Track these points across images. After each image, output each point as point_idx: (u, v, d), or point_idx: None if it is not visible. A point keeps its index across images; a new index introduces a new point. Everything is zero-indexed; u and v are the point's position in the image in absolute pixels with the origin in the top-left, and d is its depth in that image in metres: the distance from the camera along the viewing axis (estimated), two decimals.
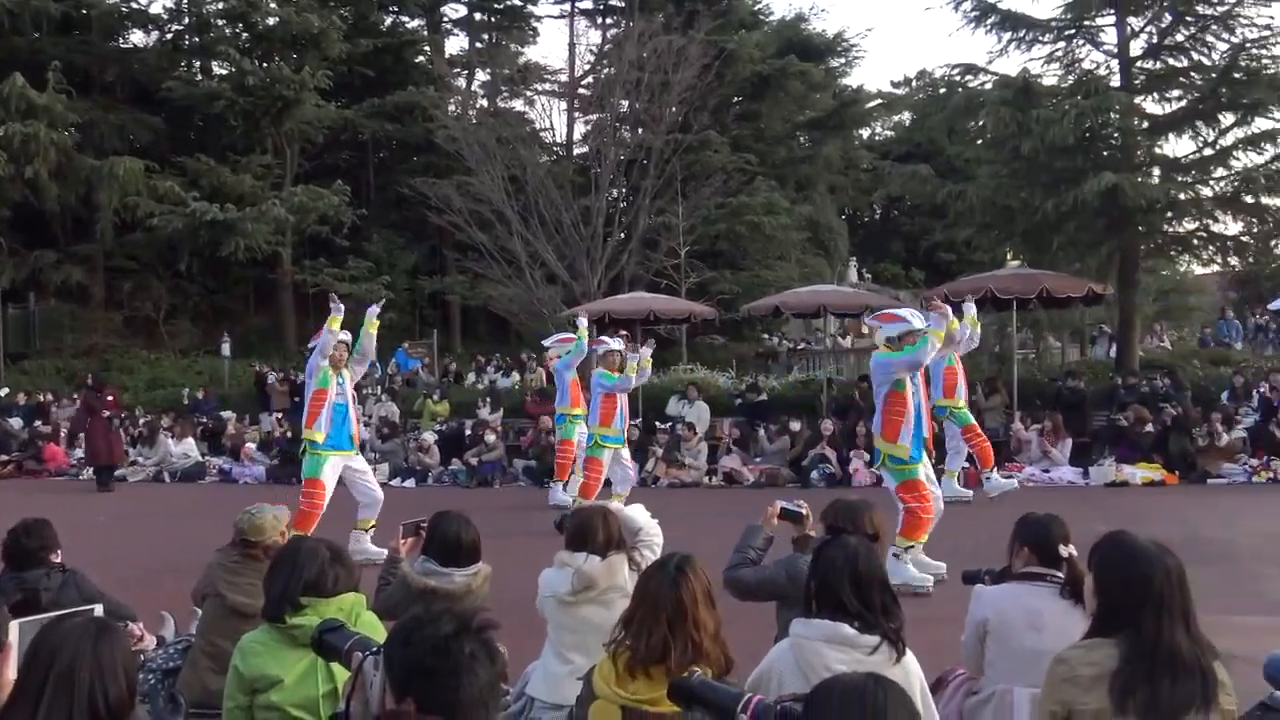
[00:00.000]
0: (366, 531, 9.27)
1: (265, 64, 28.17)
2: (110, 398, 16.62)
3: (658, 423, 16.51)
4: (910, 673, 2.97)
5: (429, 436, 16.85)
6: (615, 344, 11.61)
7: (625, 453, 11.60)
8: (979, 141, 20.29)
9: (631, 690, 2.88)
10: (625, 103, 25.50)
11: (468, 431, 17.00)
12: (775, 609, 4.17)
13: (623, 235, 24.33)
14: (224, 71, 29.45)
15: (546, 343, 13.82)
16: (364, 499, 9.46)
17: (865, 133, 40.57)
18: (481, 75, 33.60)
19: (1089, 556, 3.11)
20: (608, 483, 11.36)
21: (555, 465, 12.76)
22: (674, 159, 24.00)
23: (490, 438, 16.33)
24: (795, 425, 15.49)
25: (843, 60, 36.18)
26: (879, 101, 39.92)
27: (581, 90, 30.02)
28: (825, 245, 32.20)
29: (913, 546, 7.64)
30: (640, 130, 25.49)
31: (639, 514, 4.44)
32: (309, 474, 9.28)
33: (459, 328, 30.94)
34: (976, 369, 19.35)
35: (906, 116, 41.05)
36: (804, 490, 12.91)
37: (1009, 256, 22.75)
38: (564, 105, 30.73)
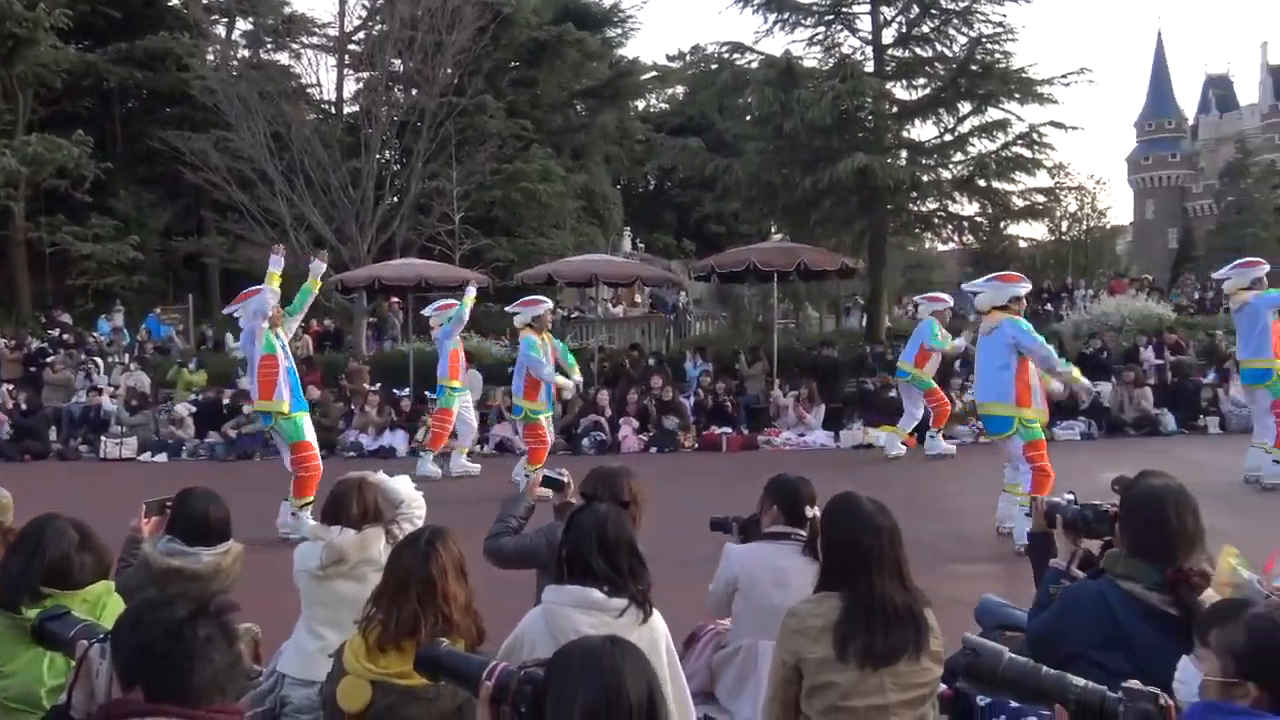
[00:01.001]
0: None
1: None
2: None
3: (428, 392, 16.27)
4: (656, 632, 3.10)
5: (183, 408, 15.96)
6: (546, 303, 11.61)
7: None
8: (747, 118, 21.01)
9: (383, 665, 2.88)
10: (398, 62, 24.75)
11: (226, 402, 16.18)
12: (535, 576, 4.24)
13: (394, 199, 23.68)
14: None
15: (427, 311, 13.38)
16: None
17: (640, 104, 41.20)
18: (242, 24, 31.65)
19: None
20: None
21: (431, 435, 12.51)
22: (448, 122, 23.53)
23: (249, 408, 15.59)
24: (567, 394, 15.64)
25: (619, 31, 36.59)
26: (654, 74, 40.60)
27: (352, 46, 28.83)
28: (600, 214, 32.57)
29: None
30: (413, 91, 24.84)
31: (403, 485, 4.40)
32: (294, 438, 8.86)
33: (218, 292, 29.25)
34: (741, 337, 20.23)
35: (680, 90, 41.98)
36: (575, 458, 13.10)
37: (773, 230, 23.86)
38: (333, 61, 29.43)
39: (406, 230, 23.42)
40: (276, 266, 8.97)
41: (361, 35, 28.72)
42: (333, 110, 29.10)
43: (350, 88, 29.59)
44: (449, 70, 23.95)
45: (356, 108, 27.83)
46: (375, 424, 15.46)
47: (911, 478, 11.39)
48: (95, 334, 22.28)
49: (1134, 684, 2.46)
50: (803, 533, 4.05)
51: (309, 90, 28.56)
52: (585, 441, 14.68)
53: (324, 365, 18.07)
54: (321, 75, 30.44)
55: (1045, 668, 2.56)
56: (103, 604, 3.08)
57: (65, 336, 21.24)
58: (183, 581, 3.91)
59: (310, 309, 23.35)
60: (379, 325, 22.86)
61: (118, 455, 15.23)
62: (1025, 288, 8.67)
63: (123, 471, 14.03)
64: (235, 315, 9.62)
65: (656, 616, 3.16)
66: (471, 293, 12.43)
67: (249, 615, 4.31)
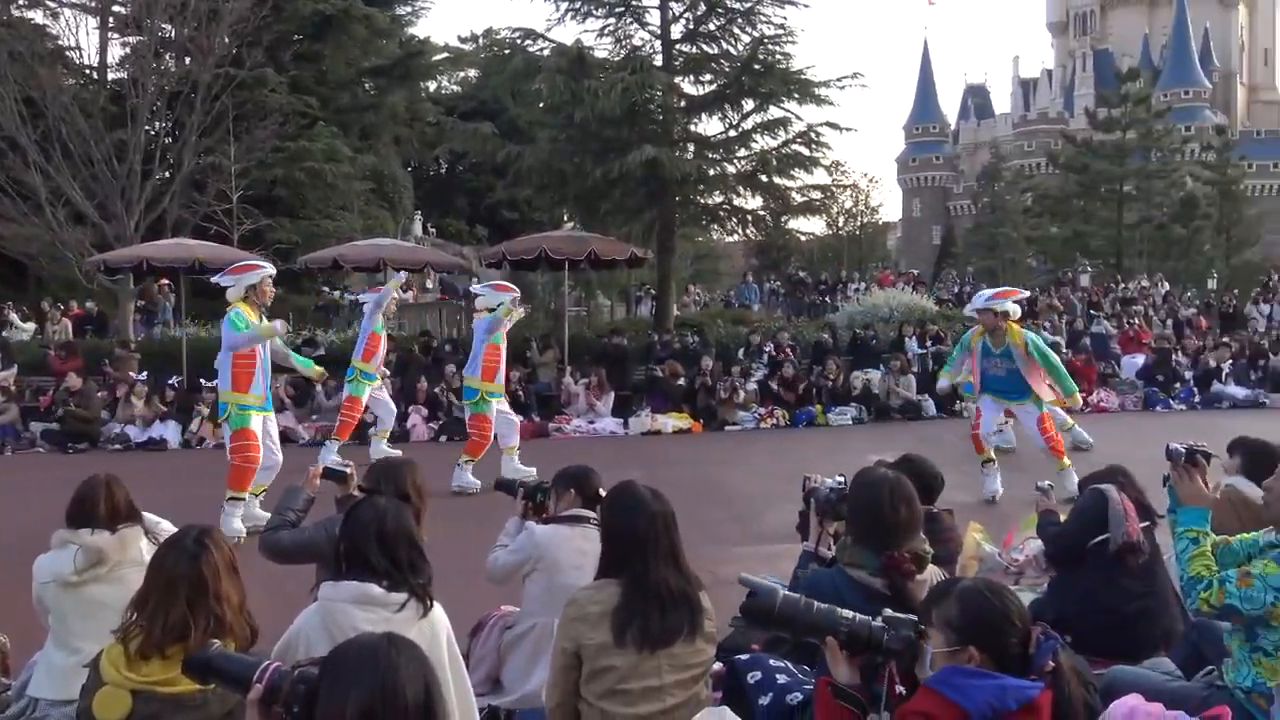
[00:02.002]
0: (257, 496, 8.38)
1: None
2: None
3: (202, 380, 15.44)
4: (438, 625, 3.10)
5: None
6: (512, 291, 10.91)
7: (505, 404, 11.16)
8: (540, 105, 20.99)
9: (144, 673, 2.75)
10: (169, 27, 23.19)
11: None
12: (315, 571, 4.14)
13: (165, 175, 22.23)
14: None
15: (361, 297, 12.73)
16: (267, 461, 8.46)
17: (432, 86, 40.38)
18: None
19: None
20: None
21: (340, 424, 11.87)
22: (224, 95, 22.26)
23: None
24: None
25: (409, 9, 35.70)
26: (445, 55, 39.90)
27: (117, 8, 26.75)
28: (390, 197, 31.75)
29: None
30: (186, 60, 23.35)
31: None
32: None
33: None
34: (532, 325, 20.25)
35: (473, 73, 41.44)
36: (364, 446, 12.77)
37: (565, 218, 23.98)
38: (95, 23, 27.24)
39: (179, 208, 22.04)
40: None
41: None
42: (95, 77, 26.97)
43: (115, 53, 27.52)
44: (226, 40, 22.68)
45: (123, 75, 25.91)
46: (143, 415, 14.52)
47: (697, 462, 11.77)
48: None
49: (894, 613, 2.71)
50: (596, 516, 4.14)
51: (68, 53, 26.36)
52: (372, 431, 14.30)
53: (86, 351, 16.80)
54: (82, 38, 28.19)
55: (816, 603, 2.76)
56: None
57: None
58: None
59: (71, 290, 21.71)
60: (148, 309, 21.47)
61: None
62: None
63: None
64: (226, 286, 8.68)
65: (437, 609, 3.16)
66: (399, 278, 11.95)
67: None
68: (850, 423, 15.02)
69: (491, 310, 10.54)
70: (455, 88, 42.54)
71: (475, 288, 11.62)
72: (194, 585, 2.84)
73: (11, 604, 4.00)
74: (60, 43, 26.17)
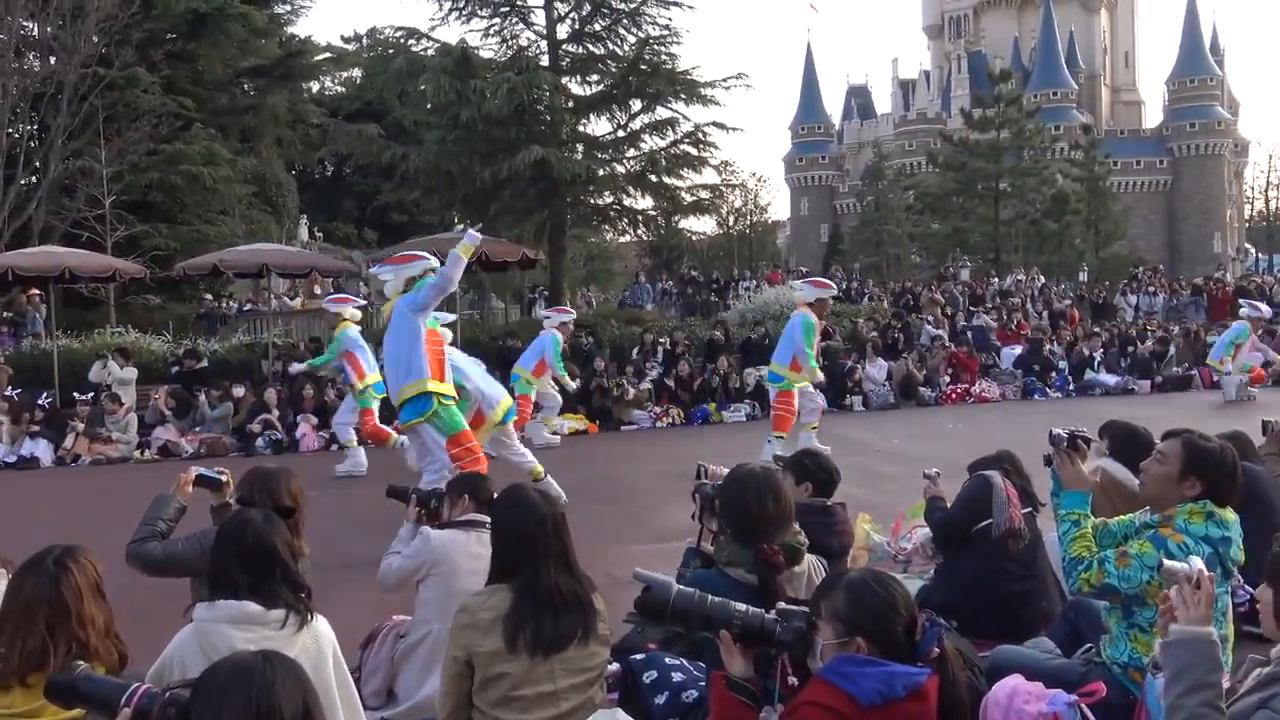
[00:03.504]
0: None
1: None
2: None
3: (76, 394, 14.80)
4: (322, 639, 3.00)
5: None
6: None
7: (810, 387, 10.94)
8: (427, 106, 20.73)
9: (4, 704, 2.60)
10: (31, 25, 22.17)
11: None
12: (190, 587, 3.98)
13: (31, 179, 21.22)
14: None
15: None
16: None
17: (315, 86, 39.44)
18: None
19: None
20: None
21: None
22: (93, 95, 21.39)
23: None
24: (239, 391, 14.79)
25: (288, 8, 34.74)
26: (328, 55, 39.02)
27: None
28: (273, 201, 30.88)
29: None
30: (51, 59, 22.34)
31: None
32: (455, 429, 7.32)
33: None
34: None
35: (357, 74, 40.65)
36: (249, 459, 12.40)
37: (455, 220, 23.70)
38: None
39: (46, 214, 21.11)
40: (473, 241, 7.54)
41: None
42: None
43: None
44: (94, 38, 21.79)
45: None
46: (12, 432, 13.82)
47: (593, 462, 11.75)
48: None
49: (786, 605, 2.74)
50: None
51: None
52: (260, 442, 13.91)
53: None
54: None
55: (711, 596, 2.76)
56: None
57: None
58: None
59: None
60: (15, 321, 20.44)
61: None
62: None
63: None
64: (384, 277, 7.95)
65: (321, 622, 3.06)
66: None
67: None
68: (744, 419, 15.21)
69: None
70: (339, 88, 41.66)
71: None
72: (54, 608, 2.69)
73: None
74: None
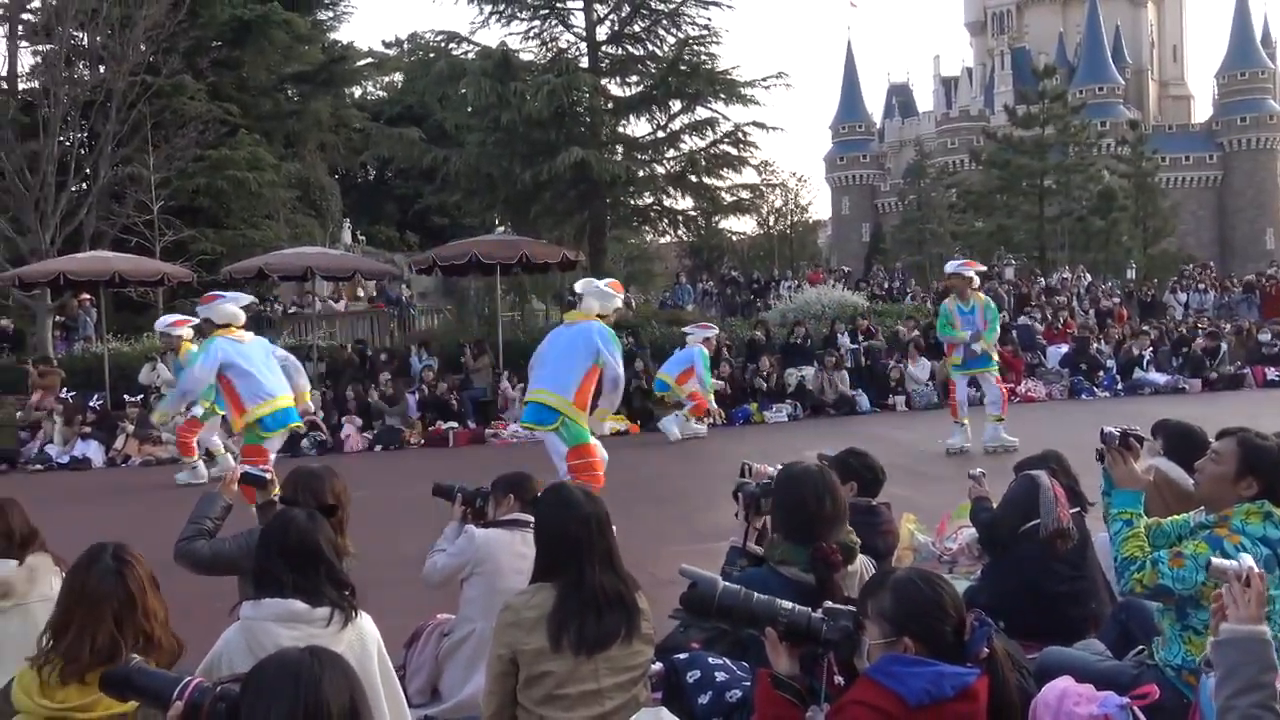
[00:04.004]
0: None
1: None
2: None
3: (127, 396, 15.05)
4: (366, 636, 3.02)
5: None
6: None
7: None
8: (468, 110, 20.88)
9: (60, 699, 2.63)
10: (81, 35, 22.58)
11: None
12: (237, 585, 4.03)
13: (82, 186, 21.62)
14: None
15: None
16: None
17: (357, 91, 39.89)
18: None
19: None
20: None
21: None
22: (141, 103, 21.74)
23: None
24: None
25: (331, 14, 35.22)
26: (370, 61, 39.43)
27: (26, 15, 25.98)
28: (317, 205, 31.26)
29: None
30: (101, 68, 22.73)
31: None
32: (578, 441, 7.48)
33: None
34: (466, 331, 20.10)
35: (398, 78, 41.01)
36: (294, 459, 12.54)
37: (496, 222, 23.84)
38: (3, 31, 26.39)
39: (96, 220, 21.47)
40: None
41: (37, 3, 25.95)
42: (4, 86, 26.12)
43: (26, 62, 26.72)
44: (141, 47, 22.12)
45: (34, 84, 25.15)
46: (65, 434, 14.10)
47: (635, 463, 11.74)
48: None
49: (833, 604, 2.71)
50: None
51: None
52: (305, 442, 14.06)
53: (4, 370, 16.26)
54: None
55: (756, 594, 2.74)
56: None
57: None
58: None
59: None
60: (67, 325, 20.85)
61: None
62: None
63: None
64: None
65: (366, 619, 3.09)
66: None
67: None
68: (786, 419, 15.13)
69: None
70: (381, 93, 42.07)
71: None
72: (121, 602, 2.73)
73: None
74: None
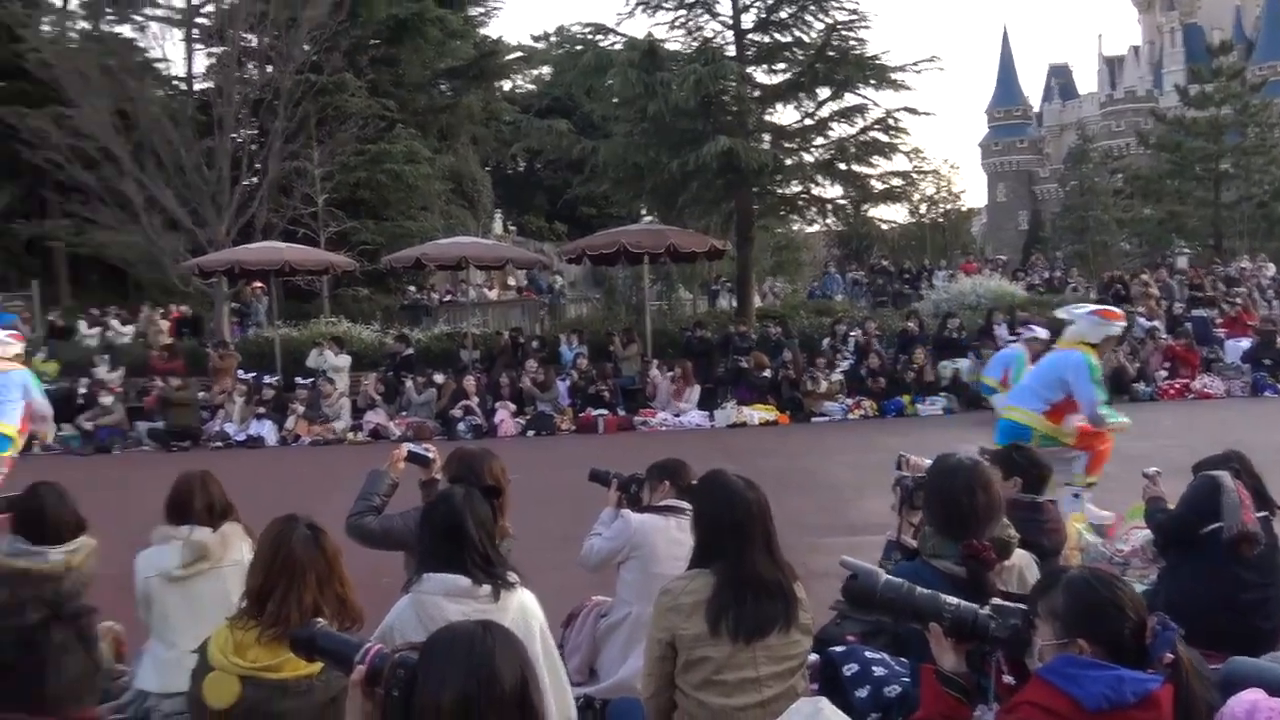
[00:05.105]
0: None
1: None
2: None
3: (297, 378, 15.85)
4: (529, 614, 3.10)
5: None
6: None
7: None
8: (614, 100, 21.05)
9: (251, 658, 2.79)
10: (250, 36, 23.78)
11: (81, 392, 15.35)
12: (403, 560, 4.18)
13: (253, 180, 22.81)
14: None
15: None
16: None
17: (507, 85, 40.73)
18: None
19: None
20: None
21: None
22: (306, 100, 22.76)
23: (107, 399, 14.89)
24: (439, 378, 15.50)
25: (481, 10, 36.07)
26: (519, 54, 40.19)
27: (200, 19, 27.56)
28: (469, 196, 32.10)
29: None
30: (268, 68, 23.91)
31: None
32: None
33: (65, 278, 27.71)
34: (614, 319, 20.33)
35: (546, 71, 41.68)
36: (451, 443, 12.94)
37: (643, 212, 23.99)
38: (181, 34, 28.08)
39: (267, 212, 22.60)
40: None
41: (211, 8, 27.49)
42: (184, 86, 27.79)
43: (201, 63, 28.34)
44: (305, 47, 23.15)
45: (209, 84, 26.68)
46: (243, 413, 14.97)
47: (784, 453, 11.66)
48: None
49: (1002, 601, 2.62)
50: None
51: (156, 65, 27.24)
52: (461, 427, 14.52)
53: (186, 353, 17.35)
54: (169, 49, 29.00)
55: (919, 588, 2.68)
56: None
57: None
58: (33, 584, 3.72)
59: (168, 294, 22.42)
60: (241, 311, 22.08)
61: None
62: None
63: None
64: None
65: (529, 597, 3.15)
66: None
67: (111, 615, 4.15)
68: (941, 413, 14.73)
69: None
70: (530, 86, 42.82)
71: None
72: (322, 569, 2.88)
73: (120, 594, 4.13)
74: (149, 55, 27.06)
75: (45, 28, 25.95)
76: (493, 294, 24.84)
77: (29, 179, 26.30)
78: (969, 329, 17.04)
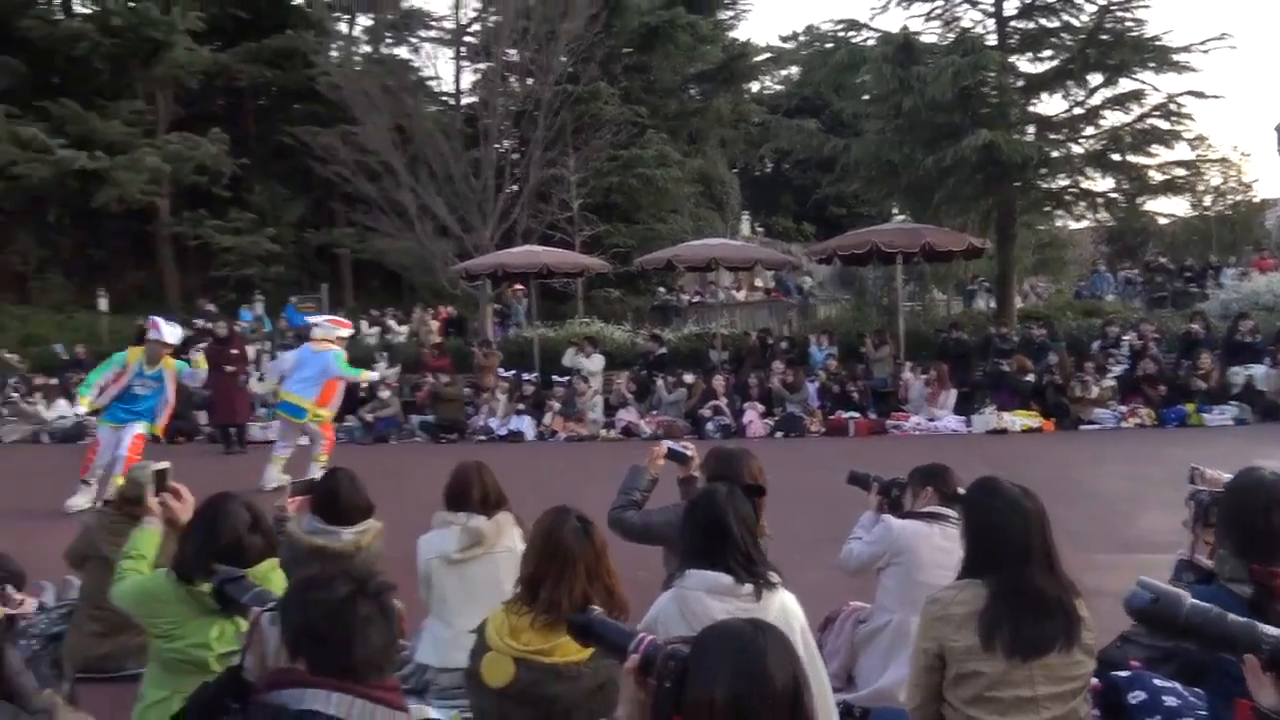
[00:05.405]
0: None
1: (131, 4, 26.80)
2: (235, 351, 15.05)
3: (555, 376, 16.53)
4: (790, 614, 3.06)
5: None
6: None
7: None
8: (865, 97, 20.61)
9: (524, 641, 2.91)
10: (513, 52, 25.05)
11: (364, 387, 16.63)
12: (663, 555, 4.23)
13: (514, 188, 24.02)
14: (87, 11, 27.91)
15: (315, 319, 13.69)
16: None
17: (755, 86, 40.74)
18: (363, 19, 32.51)
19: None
20: None
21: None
22: (564, 110, 23.73)
23: (385, 394, 16.09)
24: (689, 378, 15.70)
25: (730, 13, 36.26)
26: (767, 56, 40.10)
27: (468, 38, 29.33)
28: (717, 198, 32.39)
29: None
30: (529, 80, 25.10)
31: None
32: None
33: (350, 282, 30.26)
34: (864, 321, 19.91)
35: (795, 71, 41.40)
36: (700, 442, 13.09)
37: (894, 210, 23.35)
38: (450, 53, 30.02)
39: (527, 218, 23.75)
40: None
41: (477, 27, 29.19)
42: (452, 101, 29.67)
43: (468, 79, 30.16)
44: (563, 59, 24.13)
45: (475, 98, 28.32)
46: (505, 409, 15.80)
47: (1049, 462, 11.01)
48: (239, 322, 23.29)
49: None
50: (957, 515, 3.96)
51: (429, 82, 29.22)
52: (710, 426, 14.66)
53: (452, 352, 18.51)
54: (440, 67, 31.06)
55: (1230, 614, 2.42)
56: (268, 581, 3.21)
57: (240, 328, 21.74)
58: (329, 559, 4.05)
59: (438, 296, 24.04)
60: (502, 312, 23.29)
61: (262, 438, 15.79)
62: None
63: (267, 454, 14.51)
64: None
65: (790, 598, 3.12)
66: (373, 375, 12.74)
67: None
68: (1231, 423, 13.43)
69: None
70: (778, 86, 42.68)
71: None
72: (591, 560, 2.98)
73: (399, 574, 4.43)
74: (423, 74, 29.10)
75: (333, 54, 28.43)
76: (740, 295, 24.95)
77: (319, 192, 28.94)
78: (1265, 332, 15.43)
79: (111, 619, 4.43)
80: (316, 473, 7.96)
